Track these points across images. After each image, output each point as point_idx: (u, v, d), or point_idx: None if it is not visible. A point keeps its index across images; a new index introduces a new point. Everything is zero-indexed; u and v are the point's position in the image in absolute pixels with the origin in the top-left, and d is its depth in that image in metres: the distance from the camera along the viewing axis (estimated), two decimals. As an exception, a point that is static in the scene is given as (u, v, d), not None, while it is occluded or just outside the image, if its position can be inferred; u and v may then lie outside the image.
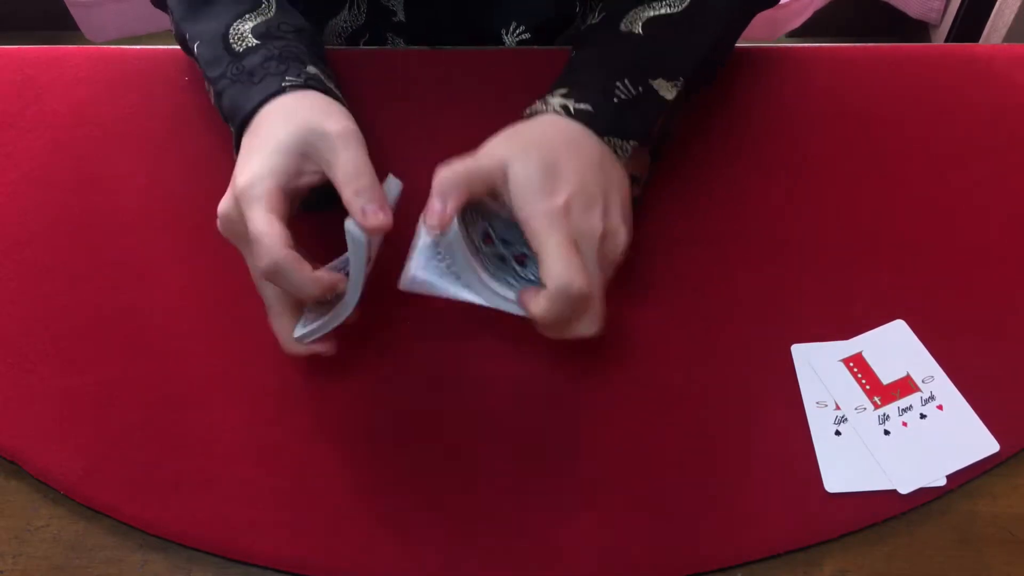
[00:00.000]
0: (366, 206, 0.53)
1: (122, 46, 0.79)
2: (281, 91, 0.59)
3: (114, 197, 0.70)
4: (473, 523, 0.56)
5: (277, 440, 0.59)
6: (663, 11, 0.65)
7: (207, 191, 0.70)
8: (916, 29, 1.77)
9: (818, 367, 0.61)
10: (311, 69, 0.62)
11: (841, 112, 0.73)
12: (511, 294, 0.55)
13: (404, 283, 0.55)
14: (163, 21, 1.82)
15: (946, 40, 1.65)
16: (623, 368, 0.62)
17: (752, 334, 0.63)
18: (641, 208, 0.68)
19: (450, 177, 0.54)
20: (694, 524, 0.56)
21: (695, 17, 0.65)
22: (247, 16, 0.65)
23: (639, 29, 0.64)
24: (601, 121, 0.59)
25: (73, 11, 1.63)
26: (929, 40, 1.75)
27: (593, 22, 0.68)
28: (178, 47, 0.77)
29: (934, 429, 0.58)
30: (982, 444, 0.58)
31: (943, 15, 1.67)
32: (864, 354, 0.61)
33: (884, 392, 0.60)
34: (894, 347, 0.62)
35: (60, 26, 1.72)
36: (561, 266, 0.51)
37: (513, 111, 0.74)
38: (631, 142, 0.61)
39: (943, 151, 0.71)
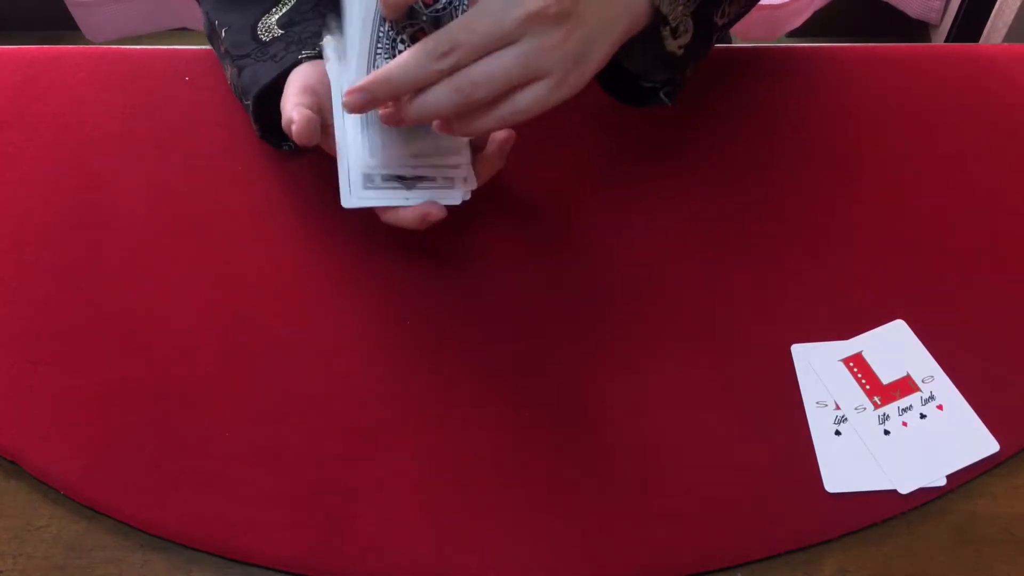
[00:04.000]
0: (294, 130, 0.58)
1: (122, 46, 0.79)
2: (297, 63, 0.63)
3: (114, 197, 0.70)
4: (473, 523, 0.56)
5: (277, 440, 0.59)
6: None
7: (207, 191, 0.70)
8: (916, 29, 1.77)
9: (818, 367, 0.61)
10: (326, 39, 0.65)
11: (841, 112, 0.73)
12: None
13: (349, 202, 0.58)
14: (163, 21, 1.83)
15: (946, 40, 1.65)
16: (622, 368, 0.62)
17: (752, 334, 0.63)
18: (640, 207, 0.68)
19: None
20: (694, 524, 0.56)
21: None
22: (273, 10, 0.68)
23: None
24: None
25: (73, 11, 1.63)
26: (929, 40, 1.75)
27: None
28: (177, 47, 0.77)
29: (934, 429, 0.58)
30: (982, 444, 0.58)
31: (943, 15, 1.67)
32: (864, 354, 0.61)
33: (884, 392, 0.60)
34: (894, 347, 0.62)
35: (60, 26, 1.72)
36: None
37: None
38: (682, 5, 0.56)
39: (943, 151, 0.71)
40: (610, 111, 0.71)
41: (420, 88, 0.51)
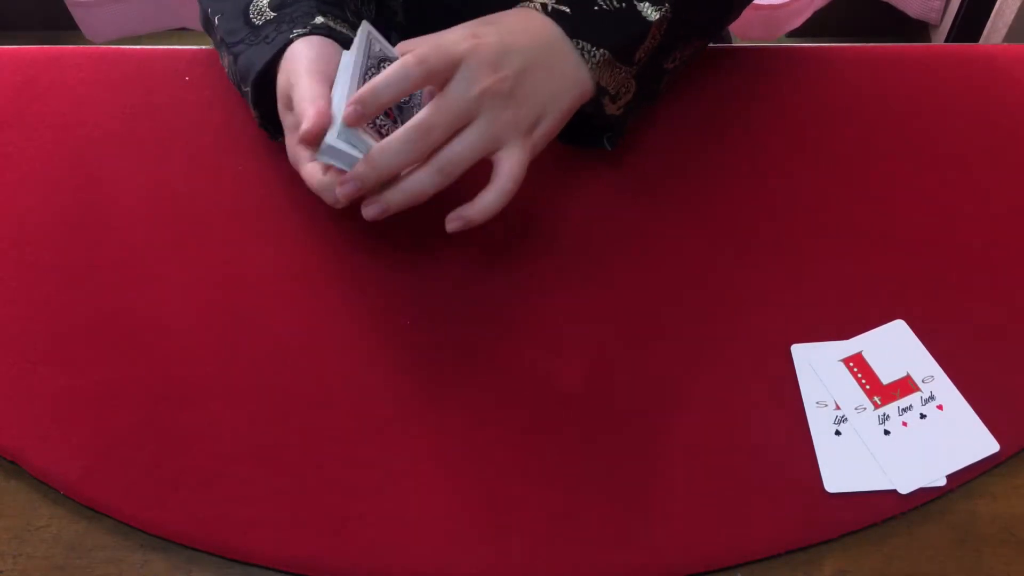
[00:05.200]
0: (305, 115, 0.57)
1: (122, 46, 0.79)
2: (289, 43, 0.63)
3: (114, 197, 0.70)
4: (473, 523, 0.56)
5: (277, 440, 0.59)
6: None
7: (207, 191, 0.70)
8: (916, 29, 1.77)
9: (818, 367, 0.61)
10: (318, 20, 0.65)
11: (841, 112, 0.73)
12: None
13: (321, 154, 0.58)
14: (163, 21, 1.83)
15: (946, 40, 1.65)
16: (622, 368, 0.62)
17: (752, 334, 0.63)
18: (641, 207, 0.69)
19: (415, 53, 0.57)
20: (694, 524, 0.56)
21: None
22: None
23: None
24: (574, 22, 0.61)
25: (73, 11, 1.64)
26: (929, 40, 1.75)
27: None
28: (177, 47, 0.77)
29: (934, 429, 0.58)
30: (982, 444, 0.58)
31: (943, 15, 1.67)
32: (864, 354, 0.61)
33: (884, 392, 0.60)
34: (894, 347, 0.62)
35: (60, 26, 1.72)
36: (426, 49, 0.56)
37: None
38: (601, 50, 0.62)
39: (943, 151, 0.71)
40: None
41: (398, 172, 0.57)
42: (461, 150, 0.57)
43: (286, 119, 0.62)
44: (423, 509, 0.57)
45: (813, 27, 1.71)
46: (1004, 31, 1.51)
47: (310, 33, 0.64)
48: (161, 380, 0.62)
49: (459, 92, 0.56)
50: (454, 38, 0.58)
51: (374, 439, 0.59)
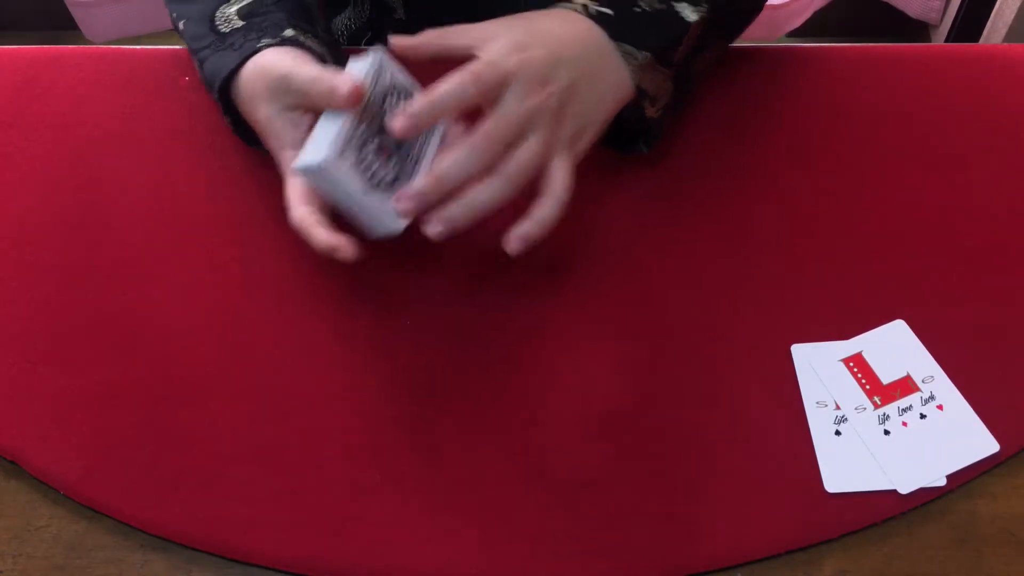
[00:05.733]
0: (331, 82, 0.56)
1: (122, 46, 0.79)
2: (256, 51, 0.62)
3: (114, 197, 0.70)
4: (473, 523, 0.56)
5: (277, 440, 0.59)
6: None
7: (207, 191, 0.70)
8: (916, 29, 1.77)
9: (818, 367, 0.61)
10: (288, 32, 0.63)
11: (841, 112, 0.73)
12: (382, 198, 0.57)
13: (305, 165, 0.55)
14: (163, 21, 1.82)
15: (946, 40, 1.65)
16: (622, 368, 0.62)
17: (752, 334, 0.63)
18: (638, 207, 0.68)
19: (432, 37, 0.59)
20: (694, 524, 0.56)
21: None
22: (232, 0, 0.67)
23: None
24: (616, 24, 0.61)
25: (73, 11, 1.63)
26: (929, 40, 1.75)
27: None
28: (177, 47, 0.77)
29: (934, 429, 0.58)
30: (982, 444, 0.58)
31: (943, 15, 1.67)
32: (864, 354, 0.61)
33: (884, 392, 0.60)
34: (894, 347, 0.62)
35: (60, 26, 1.72)
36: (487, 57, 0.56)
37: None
38: (643, 52, 0.62)
39: (943, 151, 0.71)
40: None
41: (461, 185, 0.56)
42: (527, 159, 0.57)
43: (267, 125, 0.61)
44: (423, 509, 0.57)
45: (813, 27, 1.71)
46: (1004, 31, 1.51)
47: (280, 44, 0.62)
48: (161, 380, 0.62)
49: (512, 108, 0.56)
50: (501, 52, 0.57)
51: (374, 439, 0.59)
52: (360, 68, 0.58)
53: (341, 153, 0.55)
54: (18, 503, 0.58)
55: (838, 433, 0.58)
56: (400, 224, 0.57)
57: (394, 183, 0.58)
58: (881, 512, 0.56)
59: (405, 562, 0.55)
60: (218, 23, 0.65)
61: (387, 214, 0.57)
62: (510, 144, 0.56)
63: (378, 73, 0.58)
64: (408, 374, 0.62)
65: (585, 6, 0.61)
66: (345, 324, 0.64)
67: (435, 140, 0.61)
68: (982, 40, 1.59)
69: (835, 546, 0.56)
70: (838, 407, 0.59)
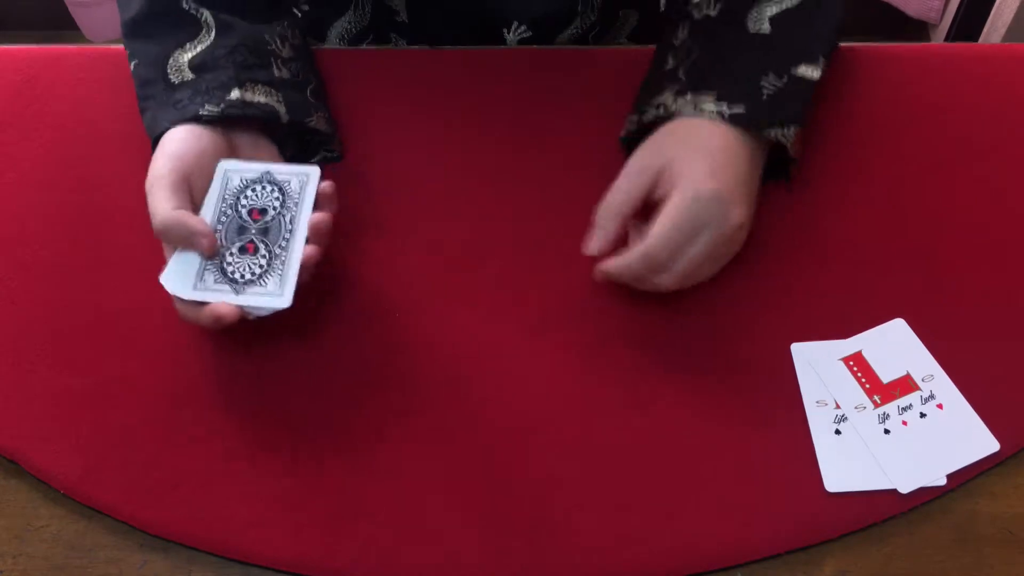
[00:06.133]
0: (188, 238, 0.58)
1: (122, 46, 0.79)
2: (196, 117, 0.62)
3: (114, 197, 0.70)
4: (472, 523, 0.56)
5: (277, 440, 0.59)
6: (785, 6, 0.67)
7: (207, 191, 0.70)
8: (916, 29, 1.77)
9: (818, 366, 0.61)
10: (233, 95, 0.63)
11: (840, 111, 0.73)
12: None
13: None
14: (163, 21, 1.79)
15: (946, 40, 1.65)
16: (622, 368, 0.62)
17: (752, 334, 0.63)
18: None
19: (612, 206, 0.61)
20: (694, 524, 0.56)
21: (814, 2, 0.68)
22: (187, 45, 0.66)
23: (766, 27, 0.66)
24: (757, 117, 0.62)
25: (73, 11, 1.63)
26: (929, 40, 1.75)
27: (711, 14, 0.68)
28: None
29: (934, 428, 0.58)
30: (982, 443, 0.58)
31: (943, 15, 1.67)
32: (864, 353, 0.61)
33: (884, 391, 0.60)
34: (894, 346, 0.62)
35: (60, 26, 1.72)
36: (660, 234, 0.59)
37: (513, 110, 0.74)
38: (792, 128, 0.63)
39: (943, 151, 0.71)
40: (609, 113, 0.71)
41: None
42: (694, 272, 0.61)
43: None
44: (423, 509, 0.57)
45: (813, 27, 1.70)
46: (1003, 31, 1.51)
47: (223, 112, 0.62)
48: (161, 380, 0.62)
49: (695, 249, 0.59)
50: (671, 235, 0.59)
51: (374, 439, 0.59)
52: (210, 201, 0.61)
53: (199, 281, 0.58)
54: (18, 503, 0.58)
55: (838, 432, 0.58)
56: (285, 301, 0.58)
57: (270, 264, 0.59)
58: (881, 512, 0.56)
59: (405, 562, 0.55)
60: (170, 72, 0.65)
61: (268, 298, 0.58)
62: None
63: (224, 184, 0.61)
64: (408, 374, 0.62)
65: (720, 113, 0.62)
66: (345, 325, 0.64)
67: (306, 208, 0.61)
68: (981, 40, 1.59)
69: (835, 546, 0.56)
70: (838, 406, 0.59)
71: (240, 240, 0.60)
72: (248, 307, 0.58)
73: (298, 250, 0.59)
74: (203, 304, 0.58)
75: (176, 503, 0.57)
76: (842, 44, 0.77)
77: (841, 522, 0.56)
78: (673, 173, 0.59)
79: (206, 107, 0.62)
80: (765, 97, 0.63)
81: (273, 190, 0.61)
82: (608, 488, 0.57)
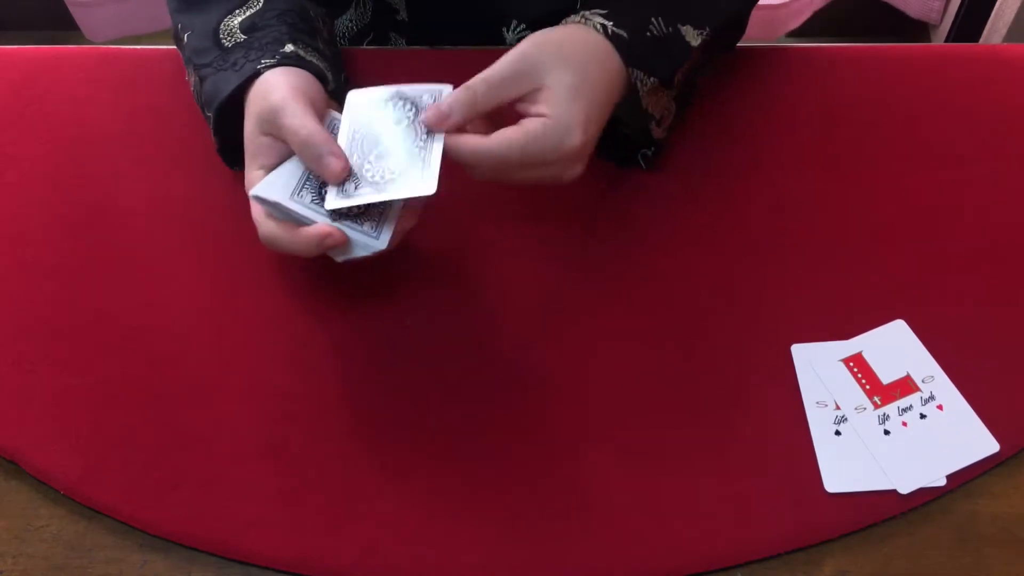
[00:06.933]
0: (320, 158, 0.56)
1: (122, 46, 0.79)
2: (256, 74, 0.61)
3: (114, 197, 0.70)
4: (472, 523, 0.56)
5: (277, 440, 0.59)
6: None
7: (207, 190, 0.70)
8: (916, 29, 1.77)
9: (818, 367, 0.61)
10: (288, 48, 0.63)
11: (840, 112, 0.73)
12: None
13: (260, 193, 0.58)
14: (163, 21, 1.82)
15: (946, 40, 1.65)
16: (622, 368, 0.62)
17: (752, 334, 0.63)
18: (639, 208, 0.68)
19: (476, 104, 0.58)
20: (694, 524, 0.56)
21: None
22: (236, 12, 0.67)
23: None
24: (632, 50, 0.62)
25: (73, 11, 1.63)
26: (929, 40, 1.75)
27: None
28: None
29: (934, 429, 0.58)
30: (982, 444, 0.58)
31: (943, 15, 1.67)
32: (864, 354, 0.61)
33: (884, 392, 0.60)
34: (894, 347, 0.62)
35: (60, 26, 1.72)
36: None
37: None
38: (652, 79, 0.63)
39: (943, 151, 0.71)
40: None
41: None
42: (525, 179, 0.60)
43: (258, 145, 0.60)
44: (423, 509, 0.57)
45: (813, 27, 1.70)
46: (1004, 31, 1.51)
47: (279, 63, 0.62)
48: (161, 380, 0.62)
49: (550, 148, 0.59)
50: (574, 137, 0.58)
51: (374, 439, 0.59)
52: (343, 129, 0.60)
53: (296, 193, 0.58)
54: (18, 503, 0.58)
55: (838, 433, 0.58)
56: (430, 187, 0.56)
57: (365, 212, 0.58)
58: (881, 512, 0.56)
59: (404, 562, 0.55)
60: (222, 36, 0.66)
61: (413, 184, 0.57)
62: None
63: (354, 112, 0.60)
64: (408, 375, 0.62)
65: (604, 26, 0.62)
66: (345, 325, 0.64)
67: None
68: (982, 40, 1.59)
69: (835, 546, 0.56)
70: (838, 407, 0.59)
71: (377, 149, 0.59)
72: (394, 200, 0.57)
73: (439, 145, 0.58)
74: (296, 228, 0.57)
75: (176, 503, 0.57)
76: (842, 44, 0.77)
77: (841, 522, 0.56)
78: (541, 94, 0.59)
79: (263, 61, 0.62)
80: (647, 35, 0.63)
81: (406, 104, 0.60)
82: (608, 488, 0.57)
